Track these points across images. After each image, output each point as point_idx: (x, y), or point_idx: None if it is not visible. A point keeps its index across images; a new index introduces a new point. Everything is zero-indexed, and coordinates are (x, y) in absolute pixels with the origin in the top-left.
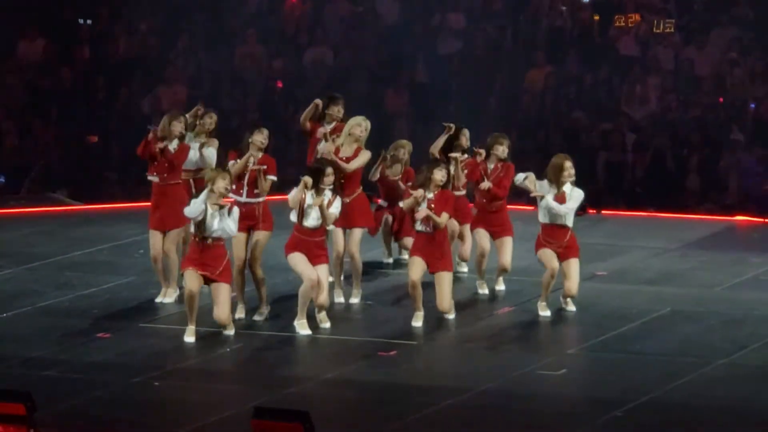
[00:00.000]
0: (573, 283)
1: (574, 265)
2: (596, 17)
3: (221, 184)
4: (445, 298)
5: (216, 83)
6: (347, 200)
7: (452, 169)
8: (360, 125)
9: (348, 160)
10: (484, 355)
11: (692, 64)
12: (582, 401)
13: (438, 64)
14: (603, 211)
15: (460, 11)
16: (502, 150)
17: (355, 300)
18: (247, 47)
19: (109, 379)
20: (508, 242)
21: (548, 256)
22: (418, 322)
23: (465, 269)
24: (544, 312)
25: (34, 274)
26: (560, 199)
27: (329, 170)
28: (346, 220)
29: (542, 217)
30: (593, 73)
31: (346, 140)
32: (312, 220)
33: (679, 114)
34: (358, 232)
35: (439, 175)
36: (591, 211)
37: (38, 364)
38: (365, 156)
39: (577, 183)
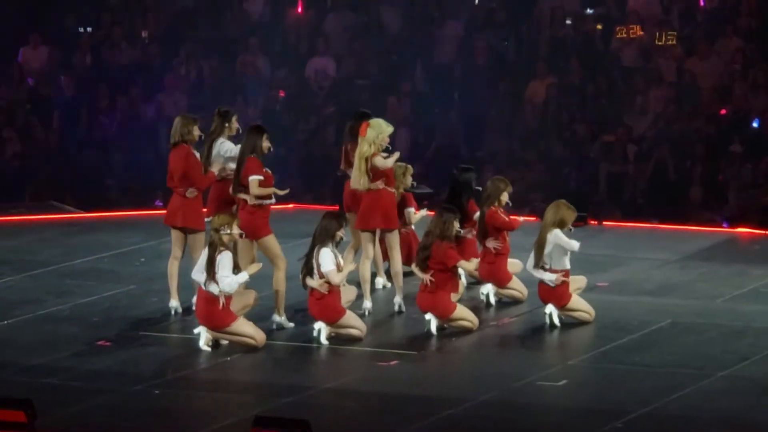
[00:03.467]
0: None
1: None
2: (599, 27)
3: (237, 230)
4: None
5: (217, 92)
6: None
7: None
8: (386, 140)
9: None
10: (483, 365)
11: (694, 76)
12: (582, 412)
13: (440, 74)
14: (604, 222)
15: (462, 20)
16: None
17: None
18: (249, 56)
19: (109, 387)
20: (514, 282)
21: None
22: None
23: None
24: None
25: (35, 282)
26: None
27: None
28: (380, 221)
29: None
30: (595, 83)
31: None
32: None
33: (682, 125)
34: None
35: (456, 226)
36: (592, 222)
37: (39, 371)
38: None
39: (579, 193)
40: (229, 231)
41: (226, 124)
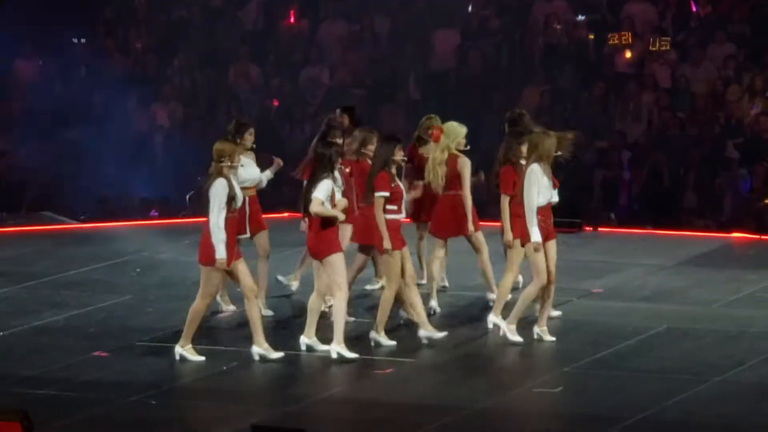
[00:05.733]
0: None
1: (554, 247)
2: (591, 36)
3: (237, 160)
4: None
5: (211, 101)
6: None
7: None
8: (462, 142)
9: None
10: (480, 372)
11: (688, 82)
12: (578, 419)
13: (434, 82)
14: (599, 229)
15: (456, 28)
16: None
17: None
18: (242, 66)
19: (105, 397)
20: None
21: (543, 266)
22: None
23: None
24: (515, 337)
25: (30, 293)
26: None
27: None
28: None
29: (541, 200)
30: (589, 90)
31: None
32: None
33: (676, 131)
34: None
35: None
36: (587, 228)
37: (35, 382)
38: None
39: (573, 200)
40: (229, 163)
41: (238, 140)
